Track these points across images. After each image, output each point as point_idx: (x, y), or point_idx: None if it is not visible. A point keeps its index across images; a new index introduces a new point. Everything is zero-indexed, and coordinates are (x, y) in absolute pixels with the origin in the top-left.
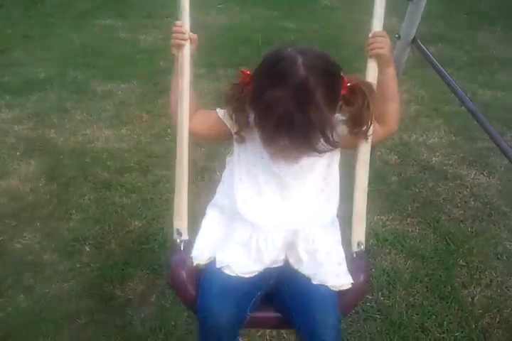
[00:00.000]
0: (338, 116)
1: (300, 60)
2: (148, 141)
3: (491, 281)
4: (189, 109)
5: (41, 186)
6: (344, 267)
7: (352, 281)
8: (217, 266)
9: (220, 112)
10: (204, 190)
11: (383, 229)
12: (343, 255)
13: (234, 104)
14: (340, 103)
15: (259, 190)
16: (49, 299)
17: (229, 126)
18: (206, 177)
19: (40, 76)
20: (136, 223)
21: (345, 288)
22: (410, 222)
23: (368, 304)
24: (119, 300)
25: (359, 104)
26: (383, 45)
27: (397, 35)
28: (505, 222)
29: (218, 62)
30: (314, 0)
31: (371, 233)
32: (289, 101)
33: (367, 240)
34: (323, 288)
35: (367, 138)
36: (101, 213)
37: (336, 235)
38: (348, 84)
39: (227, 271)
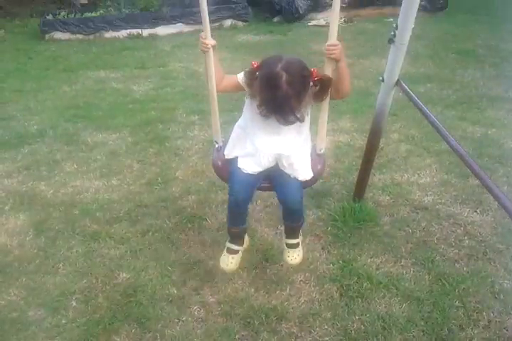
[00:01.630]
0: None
1: (284, 78)
2: (138, 190)
3: (489, 322)
4: (218, 78)
5: (28, 240)
6: (309, 166)
7: (312, 175)
8: (238, 165)
9: (240, 77)
10: None
11: (377, 272)
12: (309, 162)
13: (248, 76)
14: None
15: (263, 128)
16: None
17: (245, 88)
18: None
19: (32, 129)
20: (124, 275)
21: (308, 178)
22: (404, 263)
23: None
24: None
25: (324, 87)
26: (335, 51)
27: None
28: (500, 260)
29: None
30: None
31: (364, 276)
32: (280, 97)
33: (360, 282)
34: (295, 180)
35: (327, 100)
36: (88, 266)
37: (305, 151)
38: (316, 78)
39: (244, 170)
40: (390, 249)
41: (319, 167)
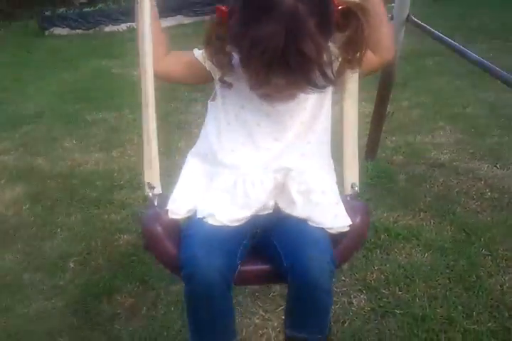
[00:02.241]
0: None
1: None
2: (139, 161)
3: None
4: (159, 51)
5: (25, 209)
6: (342, 207)
7: (351, 222)
8: (199, 216)
9: (197, 52)
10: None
11: (395, 225)
12: (338, 195)
13: (214, 44)
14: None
15: (249, 133)
16: (27, 319)
17: (207, 68)
18: None
19: (30, 111)
20: (126, 237)
21: (344, 230)
22: (424, 216)
23: (385, 299)
24: (105, 315)
25: (352, 28)
26: None
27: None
28: None
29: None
30: None
31: (381, 228)
32: (279, 34)
33: (377, 235)
34: (318, 231)
35: (361, 64)
36: (88, 230)
37: (330, 174)
38: (340, 8)
39: (210, 221)
40: (407, 203)
41: (358, 218)
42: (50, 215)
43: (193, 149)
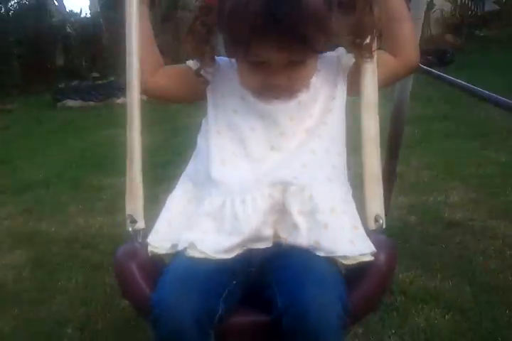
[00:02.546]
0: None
1: None
2: (145, 224)
3: None
4: (149, 66)
5: (25, 274)
6: (362, 231)
7: (374, 250)
8: (180, 247)
9: (191, 62)
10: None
11: (412, 286)
12: (357, 217)
13: (197, 31)
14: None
15: (241, 140)
16: None
17: (199, 74)
18: None
19: (38, 177)
20: (126, 301)
21: (364, 260)
22: (441, 277)
23: None
24: None
25: (361, 5)
26: None
27: None
28: None
29: None
30: None
31: (397, 290)
32: None
33: (394, 297)
34: (326, 265)
35: (371, 55)
36: (88, 295)
37: (344, 191)
38: None
39: (191, 252)
40: (423, 264)
41: (384, 255)
42: (50, 280)
43: (186, 169)
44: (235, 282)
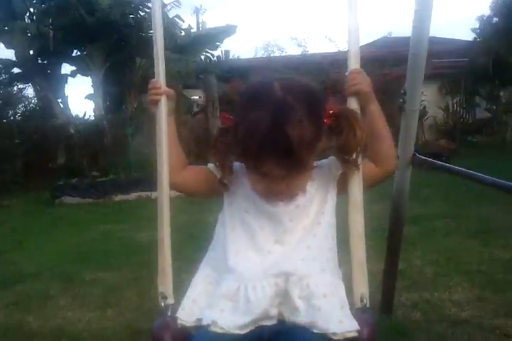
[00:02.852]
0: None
1: (276, 84)
2: (137, 318)
3: None
4: (176, 165)
5: None
6: (347, 311)
7: (358, 327)
8: (203, 322)
9: (211, 165)
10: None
11: None
12: (345, 299)
13: (218, 147)
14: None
15: (252, 236)
16: None
17: (218, 176)
18: None
19: (29, 270)
20: None
21: (350, 336)
22: None
23: None
24: None
25: (346, 130)
26: (361, 81)
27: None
28: None
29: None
30: None
31: None
32: (268, 119)
33: None
34: (316, 338)
35: (358, 167)
36: None
37: (333, 277)
38: (331, 112)
39: (213, 328)
40: None
41: (365, 330)
42: None
43: (205, 257)
44: None
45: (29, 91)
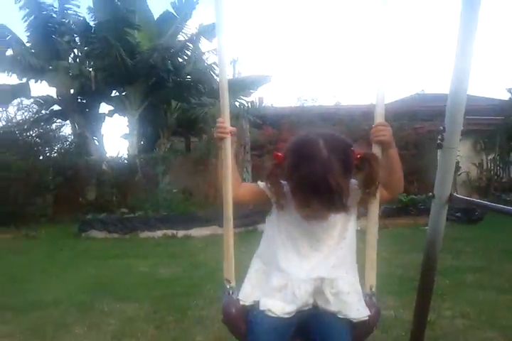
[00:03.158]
0: (354, 182)
1: (321, 142)
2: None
3: None
4: (236, 183)
5: None
6: (363, 303)
7: (369, 313)
8: (261, 308)
9: (261, 184)
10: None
11: None
12: (361, 293)
13: (272, 179)
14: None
15: (295, 245)
16: None
17: (268, 195)
18: None
19: (47, 298)
20: None
21: (364, 319)
22: None
23: None
24: None
25: (368, 169)
26: (385, 133)
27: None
28: None
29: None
30: None
31: None
32: (317, 173)
33: None
34: (340, 322)
35: (375, 196)
36: None
37: (354, 278)
38: (358, 156)
39: (269, 313)
40: None
41: (373, 311)
42: None
43: (257, 252)
44: (293, 328)
45: (67, 129)
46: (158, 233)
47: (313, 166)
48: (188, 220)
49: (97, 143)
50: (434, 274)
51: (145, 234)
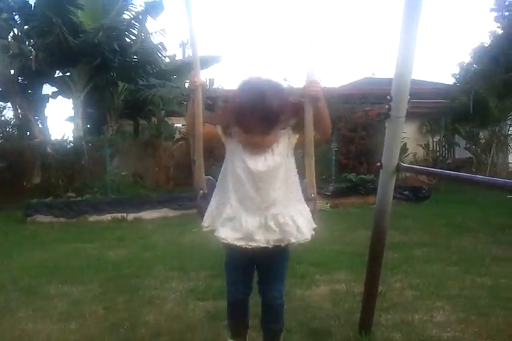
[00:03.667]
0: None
1: (263, 83)
2: (100, 333)
3: None
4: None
5: None
6: (311, 224)
7: (313, 233)
8: (215, 234)
9: (219, 127)
10: None
11: None
12: (308, 214)
13: (221, 118)
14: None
15: (242, 184)
16: None
17: (219, 132)
18: None
19: None
20: None
21: (308, 239)
22: None
23: None
24: None
25: (301, 114)
26: (315, 88)
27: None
28: None
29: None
30: None
31: None
32: (256, 100)
33: None
34: (283, 250)
35: (309, 137)
36: None
37: (301, 202)
38: (292, 101)
39: (223, 240)
40: None
41: (312, 208)
42: None
43: (217, 183)
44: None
45: (9, 113)
46: (108, 216)
47: (253, 96)
48: (138, 203)
49: (40, 126)
50: (383, 245)
51: (94, 218)
